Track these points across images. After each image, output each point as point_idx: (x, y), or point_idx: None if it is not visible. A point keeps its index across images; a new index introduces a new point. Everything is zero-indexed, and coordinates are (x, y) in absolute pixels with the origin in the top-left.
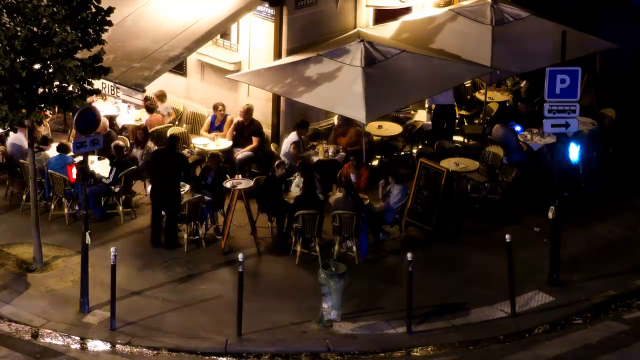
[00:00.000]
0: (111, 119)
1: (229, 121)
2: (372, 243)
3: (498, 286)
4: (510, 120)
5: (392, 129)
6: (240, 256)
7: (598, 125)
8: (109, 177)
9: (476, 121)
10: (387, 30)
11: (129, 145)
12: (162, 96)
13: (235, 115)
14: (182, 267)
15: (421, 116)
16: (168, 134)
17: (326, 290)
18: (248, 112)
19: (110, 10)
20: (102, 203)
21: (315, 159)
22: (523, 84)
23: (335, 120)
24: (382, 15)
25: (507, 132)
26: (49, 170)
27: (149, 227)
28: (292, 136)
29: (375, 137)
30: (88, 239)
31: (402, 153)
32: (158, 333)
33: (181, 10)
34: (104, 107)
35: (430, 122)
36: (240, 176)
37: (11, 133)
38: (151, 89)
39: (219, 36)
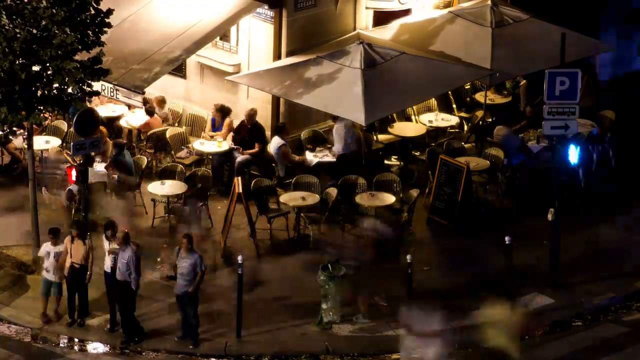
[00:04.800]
0: (112, 119)
1: (227, 124)
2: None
3: (498, 287)
4: (511, 121)
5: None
6: (240, 258)
7: (597, 127)
8: None
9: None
10: (387, 32)
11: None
12: (161, 102)
13: (235, 118)
14: None
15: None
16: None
17: (325, 292)
18: (252, 116)
19: (110, 12)
20: None
21: (314, 160)
22: (522, 82)
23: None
24: (382, 17)
25: (509, 134)
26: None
27: (149, 228)
28: (277, 140)
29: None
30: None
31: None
32: (157, 334)
33: (181, 12)
34: (115, 108)
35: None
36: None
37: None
38: (151, 91)
39: (218, 38)
